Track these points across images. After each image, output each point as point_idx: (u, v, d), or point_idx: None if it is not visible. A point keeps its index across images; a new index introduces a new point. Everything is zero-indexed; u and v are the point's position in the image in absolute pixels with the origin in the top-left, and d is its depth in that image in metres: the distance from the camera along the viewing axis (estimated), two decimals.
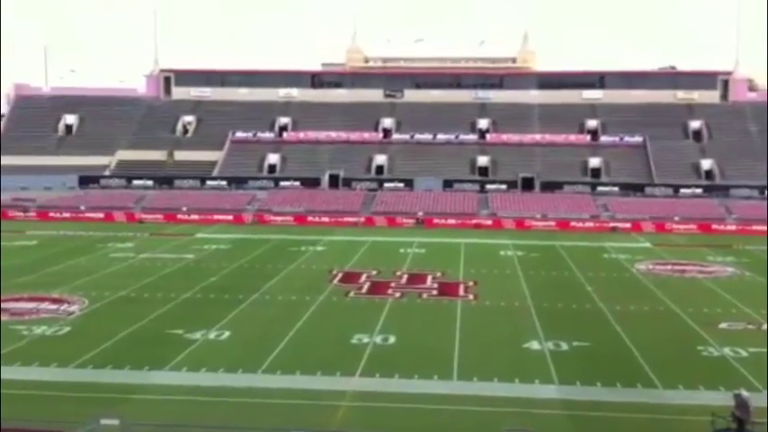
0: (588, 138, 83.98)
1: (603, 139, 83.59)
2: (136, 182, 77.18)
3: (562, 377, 24.63)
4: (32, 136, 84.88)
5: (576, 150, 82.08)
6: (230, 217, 69.19)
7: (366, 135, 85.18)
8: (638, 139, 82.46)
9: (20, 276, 41.10)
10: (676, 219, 67.06)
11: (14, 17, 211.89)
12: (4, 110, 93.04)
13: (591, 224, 67.37)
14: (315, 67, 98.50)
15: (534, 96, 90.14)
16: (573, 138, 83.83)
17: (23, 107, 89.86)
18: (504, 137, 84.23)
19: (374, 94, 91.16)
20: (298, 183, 77.06)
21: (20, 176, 75.46)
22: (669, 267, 46.94)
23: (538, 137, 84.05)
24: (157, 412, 21.33)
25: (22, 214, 69.23)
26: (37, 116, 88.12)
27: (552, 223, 67.24)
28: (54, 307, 34.05)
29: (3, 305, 34.19)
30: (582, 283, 41.41)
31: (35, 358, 26.21)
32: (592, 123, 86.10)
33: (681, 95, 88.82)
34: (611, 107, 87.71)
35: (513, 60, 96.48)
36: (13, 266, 44.51)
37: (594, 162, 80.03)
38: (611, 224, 66.93)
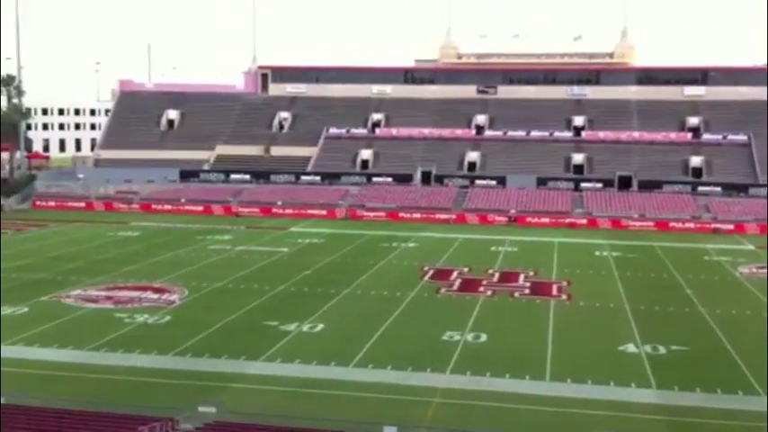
0: (689, 136, 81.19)
1: (706, 137, 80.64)
2: (233, 176, 79.10)
3: (660, 381, 24.02)
4: (136, 130, 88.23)
5: (676, 149, 79.50)
6: (324, 212, 70.07)
7: (459, 131, 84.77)
8: (742, 137, 79.26)
9: (125, 266, 42.84)
10: None
11: (120, 17, 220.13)
12: (110, 105, 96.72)
13: (691, 225, 65.19)
14: (408, 63, 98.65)
15: (633, 92, 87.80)
16: (673, 136, 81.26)
17: (128, 103, 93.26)
18: (601, 134, 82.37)
19: (467, 90, 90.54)
20: (390, 179, 77.34)
21: (124, 169, 78.75)
22: None
23: (636, 134, 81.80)
24: (253, 401, 21.90)
25: (126, 206, 72.14)
26: (141, 111, 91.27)
27: (650, 223, 65.38)
28: (156, 296, 35.36)
29: (108, 293, 35.75)
30: (681, 285, 40.18)
31: (137, 345, 27.29)
32: (693, 121, 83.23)
33: None
34: (714, 104, 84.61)
35: (611, 55, 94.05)
36: (118, 256, 46.46)
37: (696, 161, 77.36)
38: (713, 225, 64.61)
